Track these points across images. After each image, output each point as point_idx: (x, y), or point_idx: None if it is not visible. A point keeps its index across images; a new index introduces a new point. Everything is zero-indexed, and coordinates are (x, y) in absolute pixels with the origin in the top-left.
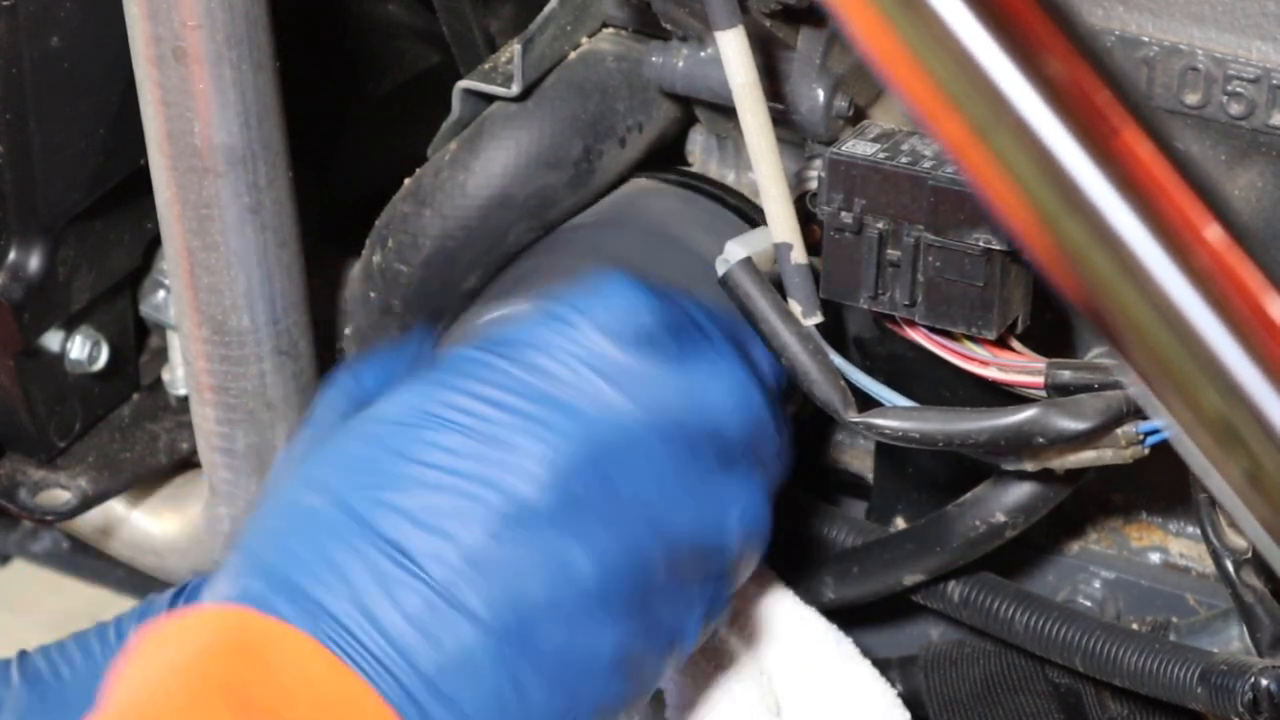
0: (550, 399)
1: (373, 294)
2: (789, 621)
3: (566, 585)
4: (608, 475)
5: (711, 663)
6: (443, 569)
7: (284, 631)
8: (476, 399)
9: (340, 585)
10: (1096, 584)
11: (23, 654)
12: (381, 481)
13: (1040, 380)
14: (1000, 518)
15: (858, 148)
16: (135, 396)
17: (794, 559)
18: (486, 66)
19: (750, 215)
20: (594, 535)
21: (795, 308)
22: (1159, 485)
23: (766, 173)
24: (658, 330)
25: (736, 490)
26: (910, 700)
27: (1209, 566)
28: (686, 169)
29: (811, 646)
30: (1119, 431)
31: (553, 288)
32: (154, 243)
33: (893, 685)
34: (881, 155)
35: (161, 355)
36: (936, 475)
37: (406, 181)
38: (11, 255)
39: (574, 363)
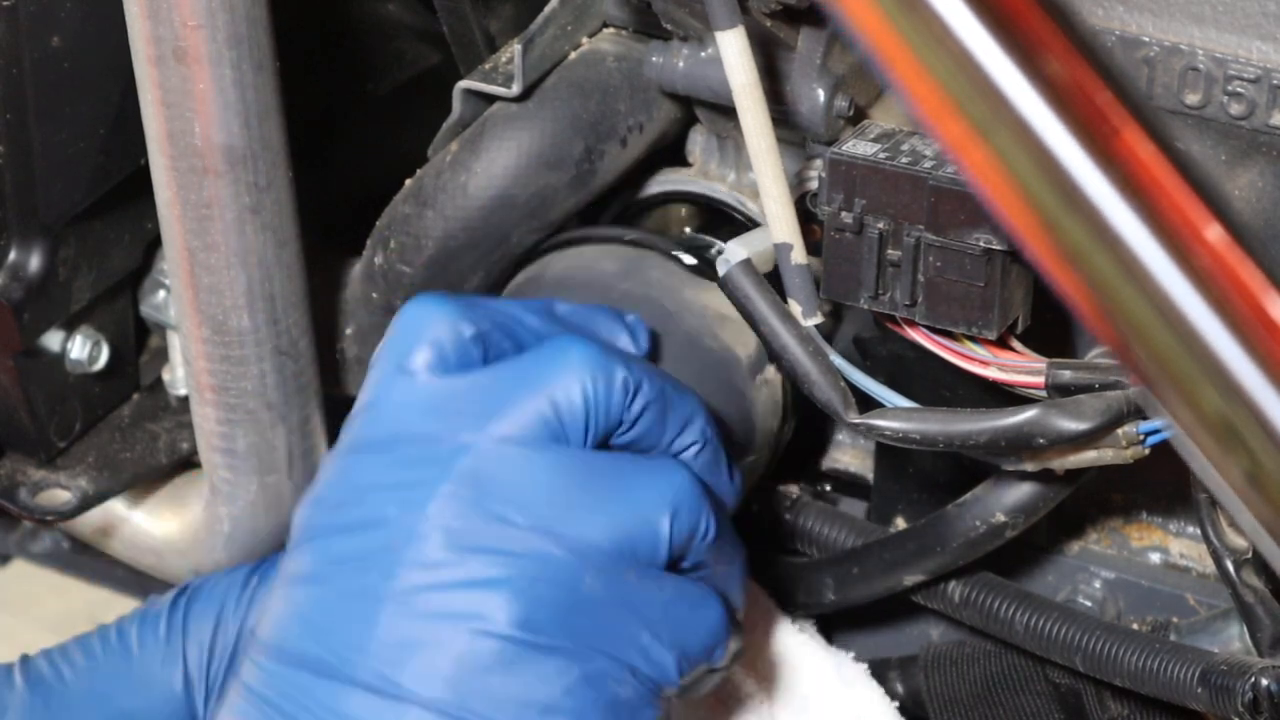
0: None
1: (374, 294)
2: (789, 648)
3: (484, 637)
4: (491, 509)
5: (712, 695)
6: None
7: None
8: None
9: None
10: (1097, 584)
11: (25, 657)
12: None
13: (1041, 380)
14: (1000, 518)
15: (858, 148)
16: (135, 396)
17: (794, 560)
18: (487, 66)
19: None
20: (497, 569)
21: (795, 308)
22: (1159, 485)
23: (766, 173)
24: (468, 341)
25: (648, 474)
26: (910, 700)
27: (1209, 566)
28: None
29: (813, 673)
30: (1119, 431)
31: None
32: (154, 243)
33: (893, 685)
34: (882, 155)
35: (161, 355)
36: (936, 475)
37: (408, 182)
38: (11, 255)
39: (404, 404)
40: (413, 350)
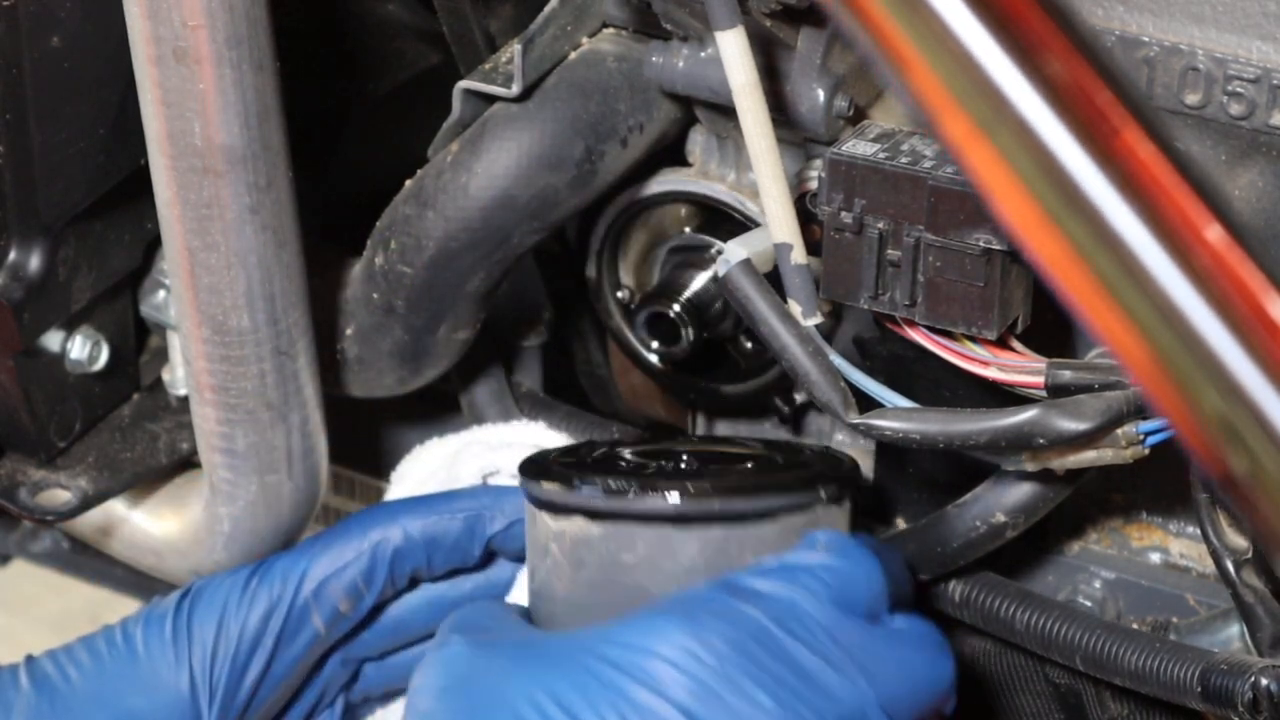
0: (791, 663)
1: (375, 295)
2: None
3: None
4: None
5: None
6: None
7: None
8: (720, 639)
9: None
10: (1097, 584)
11: (30, 658)
12: (617, 702)
13: (1040, 380)
14: (1000, 518)
15: (858, 148)
16: (135, 396)
17: None
18: (486, 66)
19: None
20: None
21: (795, 308)
22: (1159, 485)
23: (766, 173)
24: (886, 602)
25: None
26: None
27: (1209, 566)
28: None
29: None
30: (1119, 431)
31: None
32: (154, 243)
33: None
34: (881, 155)
35: (161, 355)
36: (936, 475)
37: (408, 183)
38: (11, 255)
39: (818, 630)
40: (836, 582)
